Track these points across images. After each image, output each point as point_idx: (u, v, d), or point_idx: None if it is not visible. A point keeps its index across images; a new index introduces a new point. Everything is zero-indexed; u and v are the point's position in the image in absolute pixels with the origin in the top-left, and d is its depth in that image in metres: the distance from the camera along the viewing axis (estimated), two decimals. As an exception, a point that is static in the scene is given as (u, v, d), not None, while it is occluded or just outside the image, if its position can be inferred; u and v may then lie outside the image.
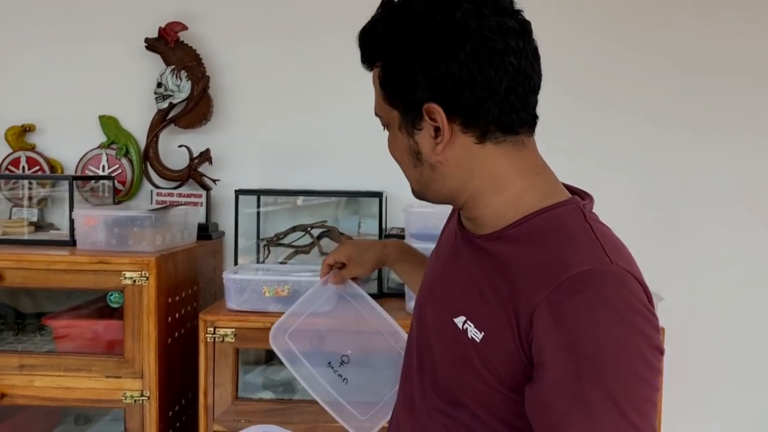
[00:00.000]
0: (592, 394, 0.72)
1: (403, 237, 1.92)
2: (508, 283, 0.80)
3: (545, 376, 0.75)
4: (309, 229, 2.00)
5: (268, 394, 1.77)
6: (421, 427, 0.92)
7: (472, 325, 0.82)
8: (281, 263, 1.96)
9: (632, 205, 2.08)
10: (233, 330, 1.66)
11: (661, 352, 0.77)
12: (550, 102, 2.18)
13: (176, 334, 1.81)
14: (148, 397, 1.68)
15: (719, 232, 2.09)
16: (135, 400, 1.68)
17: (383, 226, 1.98)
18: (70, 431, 2.07)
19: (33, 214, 2.09)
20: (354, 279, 1.31)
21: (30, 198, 2.12)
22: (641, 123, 2.08)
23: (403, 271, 1.33)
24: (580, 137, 2.09)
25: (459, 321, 0.85)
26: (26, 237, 1.94)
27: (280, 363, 1.91)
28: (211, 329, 1.66)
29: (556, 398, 0.74)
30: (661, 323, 1.67)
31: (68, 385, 1.70)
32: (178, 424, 1.84)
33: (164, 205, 2.03)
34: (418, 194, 0.93)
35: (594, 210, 0.89)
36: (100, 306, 1.92)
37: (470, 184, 0.87)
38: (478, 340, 0.81)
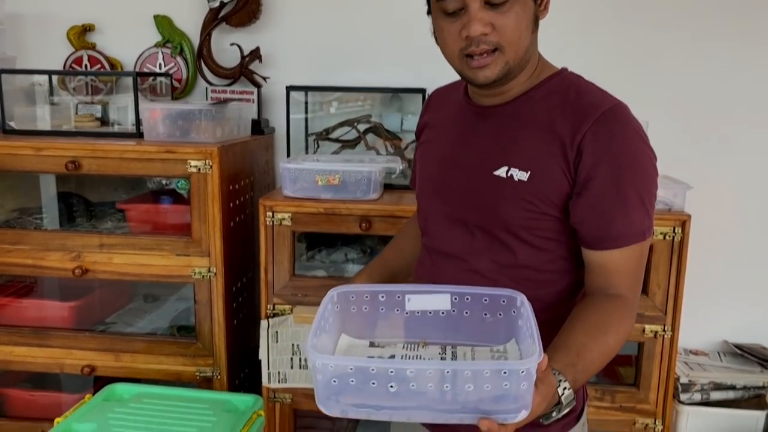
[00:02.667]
0: (628, 194, 1.01)
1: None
2: (548, 129, 1.04)
3: (593, 186, 1.01)
4: (355, 124, 2.12)
5: (321, 272, 1.95)
6: (467, 269, 1.11)
7: (517, 170, 1.05)
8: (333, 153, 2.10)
9: (665, 107, 2.14)
10: (290, 214, 1.82)
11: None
12: (591, 9, 2.21)
13: (237, 218, 1.98)
14: (215, 273, 1.87)
15: (748, 133, 2.14)
16: (203, 276, 1.88)
17: (425, 121, 2.08)
18: (141, 308, 2.30)
19: (97, 111, 2.23)
20: None
21: (93, 95, 2.26)
22: (681, 31, 2.10)
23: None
24: (619, 44, 2.13)
25: (501, 171, 1.06)
26: (95, 130, 2.09)
27: (331, 246, 2.09)
28: (270, 213, 1.83)
29: (602, 201, 1.01)
30: (689, 211, 1.77)
31: (143, 262, 1.90)
32: (241, 299, 2.05)
33: (220, 100, 2.16)
34: (512, 68, 1.04)
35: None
36: (162, 193, 2.10)
37: (532, 53, 1.07)
38: (525, 179, 1.05)
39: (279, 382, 1.90)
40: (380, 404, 0.84)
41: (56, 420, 1.70)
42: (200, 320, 1.92)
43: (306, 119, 2.21)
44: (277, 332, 1.87)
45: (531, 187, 1.04)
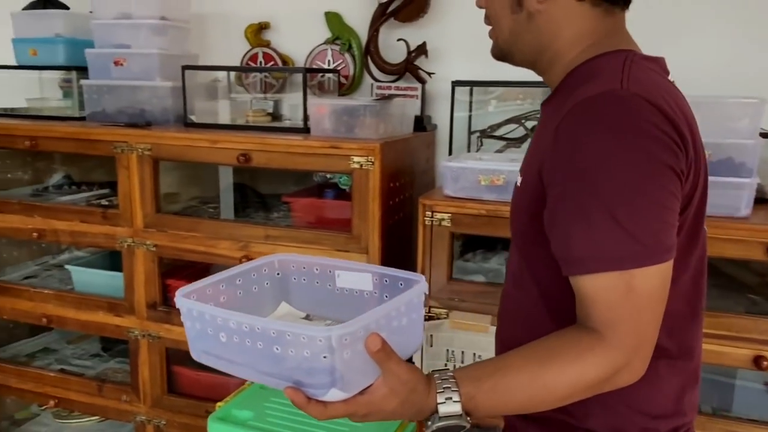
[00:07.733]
0: (589, 204, 0.78)
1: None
2: (550, 127, 0.86)
3: (552, 193, 0.84)
4: (523, 121, 2.01)
5: (480, 278, 1.87)
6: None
7: (519, 177, 0.98)
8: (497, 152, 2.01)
9: None
10: (449, 215, 1.75)
11: (674, 171, 0.79)
12: None
13: (396, 217, 1.95)
14: (372, 271, 1.85)
15: None
16: (361, 273, 1.86)
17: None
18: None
19: (269, 106, 2.31)
20: None
21: (265, 90, 2.34)
22: None
23: None
24: None
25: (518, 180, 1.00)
26: (266, 124, 2.16)
27: (491, 250, 2.00)
28: (429, 213, 1.77)
29: (560, 212, 0.82)
30: None
31: (304, 255, 1.93)
32: (396, 299, 2.01)
33: (384, 96, 2.14)
34: (503, 49, 0.99)
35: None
36: (327, 187, 2.12)
37: (554, 44, 0.93)
38: (518, 185, 0.97)
39: (431, 386, 1.84)
40: (219, 354, 0.87)
41: (217, 404, 1.77)
42: (356, 317, 1.91)
43: (470, 116, 2.13)
44: (431, 336, 1.81)
45: (521, 191, 0.97)
